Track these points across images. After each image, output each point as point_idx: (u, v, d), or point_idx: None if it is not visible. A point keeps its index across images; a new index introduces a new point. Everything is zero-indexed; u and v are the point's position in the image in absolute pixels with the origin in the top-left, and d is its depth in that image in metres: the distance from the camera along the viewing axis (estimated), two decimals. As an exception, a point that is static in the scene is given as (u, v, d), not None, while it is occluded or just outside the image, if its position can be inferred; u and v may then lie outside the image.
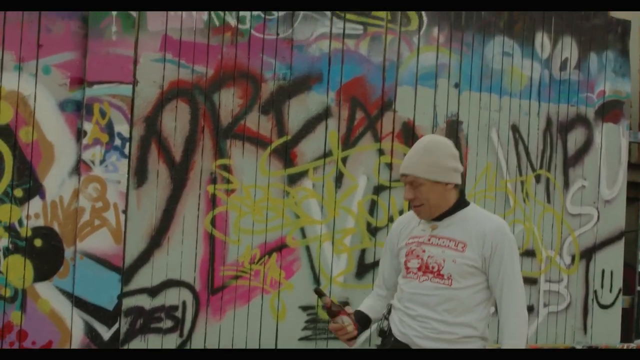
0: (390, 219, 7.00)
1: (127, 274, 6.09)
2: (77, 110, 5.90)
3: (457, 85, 7.22)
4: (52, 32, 5.82)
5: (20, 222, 5.79)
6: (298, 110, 6.61)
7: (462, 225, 4.22)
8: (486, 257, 4.19)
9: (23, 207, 5.79)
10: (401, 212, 7.04)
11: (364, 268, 6.90)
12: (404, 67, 7.01)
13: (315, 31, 6.67)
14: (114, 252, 6.04)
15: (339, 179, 6.80)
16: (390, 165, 6.96)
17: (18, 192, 5.76)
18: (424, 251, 4.19)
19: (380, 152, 6.92)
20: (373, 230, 6.95)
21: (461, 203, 4.29)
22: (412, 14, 7.02)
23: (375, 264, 6.93)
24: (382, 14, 6.89)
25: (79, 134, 5.89)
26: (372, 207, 6.94)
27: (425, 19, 7.09)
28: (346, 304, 6.03)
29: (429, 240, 4.21)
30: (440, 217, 4.23)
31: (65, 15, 5.85)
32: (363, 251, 6.92)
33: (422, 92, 7.07)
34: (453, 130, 7.19)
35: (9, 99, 5.71)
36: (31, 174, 5.80)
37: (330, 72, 6.73)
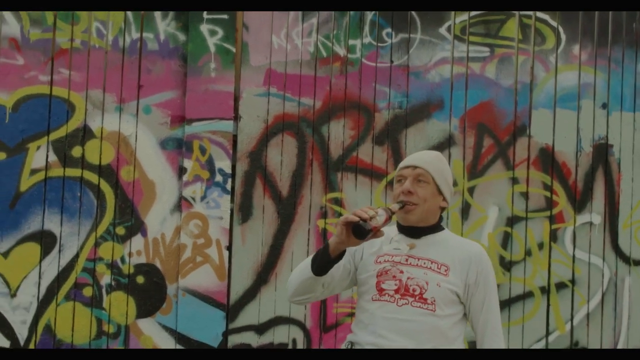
0: (528, 252, 6.44)
1: (232, 310, 5.96)
2: (178, 148, 5.95)
3: (604, 106, 6.62)
4: (153, 73, 5.95)
5: (122, 260, 5.84)
6: (417, 140, 6.29)
7: (443, 247, 3.80)
8: (470, 284, 3.75)
9: (125, 245, 5.85)
10: (541, 245, 6.48)
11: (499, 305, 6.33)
12: (540, 89, 6.53)
13: (434, 56, 6.39)
14: (218, 288, 5.92)
15: (465, 210, 6.36)
16: (526, 195, 6.44)
17: (120, 230, 5.84)
18: (401, 272, 3.71)
19: (514, 180, 6.44)
20: (507, 265, 6.40)
21: (439, 225, 3.89)
22: (548, 32, 6.58)
23: (512, 300, 6.38)
24: (511, 33, 6.51)
25: (181, 172, 5.94)
26: (505, 240, 6.42)
27: (563, 36, 6.63)
28: None
29: (407, 260, 3.74)
30: (419, 234, 3.80)
31: (165, 55, 5.98)
32: (497, 287, 6.36)
33: (562, 114, 6.53)
34: (602, 154, 6.57)
35: (110, 140, 5.85)
36: (133, 212, 5.87)
37: (453, 97, 6.40)
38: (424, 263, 3.73)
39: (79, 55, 5.87)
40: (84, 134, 5.84)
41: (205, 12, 5.96)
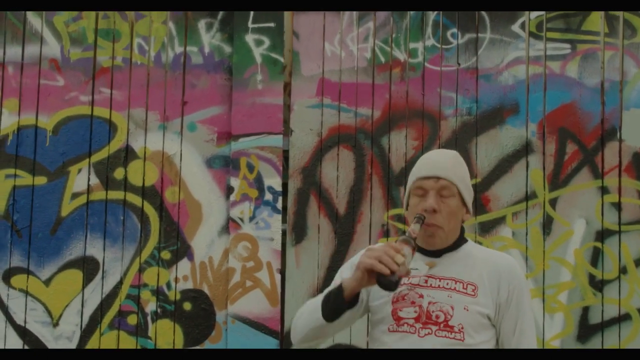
0: (623, 270, 5.75)
1: (287, 338, 5.57)
2: (225, 166, 5.63)
3: None
4: (197, 88, 5.69)
5: (168, 285, 5.54)
6: (489, 148, 5.75)
7: (468, 263, 3.27)
8: (501, 304, 3.22)
9: (171, 270, 5.54)
10: (638, 262, 5.78)
11: (589, 329, 5.65)
12: (631, 86, 5.86)
13: (507, 56, 5.85)
14: (270, 315, 5.54)
15: (547, 224, 5.73)
16: (618, 205, 5.77)
17: (165, 255, 5.57)
18: (420, 296, 3.20)
19: (604, 190, 5.79)
20: (598, 285, 5.73)
21: (463, 238, 3.37)
22: (639, 22, 5.95)
23: (605, 324, 5.70)
24: (596, 26, 5.91)
25: (228, 191, 5.64)
26: (595, 257, 5.75)
27: (657, 28, 5.97)
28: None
29: (426, 281, 3.23)
30: (439, 253, 3.27)
31: (210, 68, 5.71)
32: (586, 309, 5.70)
33: (659, 114, 5.87)
34: None
35: (154, 160, 5.61)
36: (178, 235, 5.59)
37: (530, 101, 5.83)
38: (447, 284, 3.23)
39: (120, 74, 5.67)
40: (127, 154, 5.63)
41: (250, 21, 5.68)
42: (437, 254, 3.28)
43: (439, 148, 5.65)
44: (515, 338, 3.24)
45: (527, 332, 3.27)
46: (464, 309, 3.17)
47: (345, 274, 3.30)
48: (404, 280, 3.18)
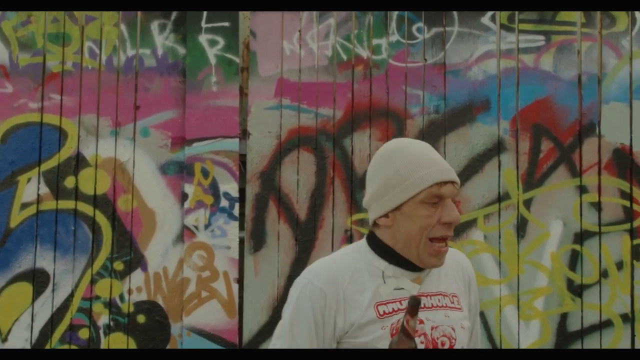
0: (604, 274, 5.42)
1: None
2: (180, 173, 5.38)
3: (697, 95, 5.57)
4: (150, 91, 5.47)
5: (121, 297, 5.30)
6: (458, 147, 5.46)
7: (442, 270, 2.79)
8: (471, 307, 2.85)
9: (124, 281, 5.30)
10: (620, 264, 5.45)
11: (567, 337, 5.33)
12: (610, 79, 5.55)
13: (476, 50, 5.56)
14: (228, 326, 5.27)
15: (521, 227, 5.42)
16: (597, 205, 5.45)
17: (118, 265, 5.34)
18: (421, 321, 2.67)
19: (582, 189, 5.47)
20: (577, 290, 5.41)
21: None
22: (618, 12, 5.63)
23: (584, 332, 5.38)
24: (572, 16, 5.60)
25: (184, 198, 5.42)
26: (574, 260, 5.43)
27: (638, 14, 5.65)
28: None
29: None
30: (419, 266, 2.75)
31: (164, 71, 5.49)
32: (564, 316, 5.37)
33: (641, 107, 5.53)
34: (696, 152, 5.50)
35: (106, 167, 5.39)
36: (132, 245, 5.37)
37: (501, 97, 5.54)
38: (439, 300, 2.74)
39: (70, 79, 5.46)
40: (77, 162, 5.41)
41: (203, 21, 5.48)
42: (419, 267, 2.75)
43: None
44: (472, 342, 2.90)
45: (479, 333, 2.95)
46: (461, 327, 2.75)
47: (299, 333, 2.67)
48: (393, 306, 2.69)
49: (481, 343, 3.01)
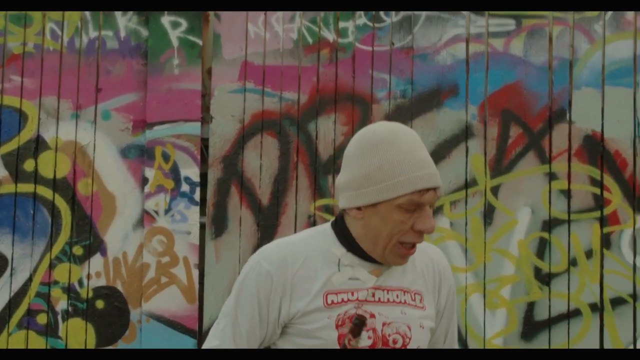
0: (573, 262, 5.32)
1: (205, 337, 5.27)
2: (141, 156, 5.33)
3: (670, 80, 5.46)
4: (112, 74, 5.39)
5: (80, 283, 5.23)
6: (425, 133, 5.34)
7: (409, 264, 2.64)
8: (439, 310, 2.69)
9: (83, 266, 5.22)
10: (589, 253, 5.35)
11: (534, 326, 5.24)
12: (582, 64, 5.43)
13: (445, 34, 5.47)
14: (187, 312, 5.20)
15: (488, 214, 5.32)
16: (567, 193, 5.35)
17: (77, 250, 5.27)
18: (372, 315, 2.54)
19: (552, 176, 5.37)
20: (545, 278, 5.31)
21: None
22: (591, -3, 5.52)
23: (552, 321, 5.29)
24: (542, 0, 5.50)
25: (144, 182, 5.35)
26: (542, 248, 5.33)
27: None
28: None
29: (373, 295, 2.57)
30: None
31: (126, 53, 5.41)
32: (531, 305, 5.28)
33: (613, 94, 5.34)
34: (669, 139, 5.40)
35: (66, 150, 5.31)
36: (91, 230, 5.31)
37: (470, 81, 5.44)
38: (397, 296, 2.58)
39: (31, 60, 5.38)
40: (37, 145, 5.34)
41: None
42: None
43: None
44: (447, 344, 2.76)
45: (454, 335, 2.79)
46: (420, 326, 2.59)
47: (242, 314, 2.59)
48: (343, 296, 2.56)
49: (458, 344, 2.85)
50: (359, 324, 2.40)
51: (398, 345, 2.53)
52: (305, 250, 2.58)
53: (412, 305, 2.59)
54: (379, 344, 2.52)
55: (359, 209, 2.54)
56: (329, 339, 2.51)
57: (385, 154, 2.47)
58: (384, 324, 2.53)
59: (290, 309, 2.55)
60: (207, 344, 2.66)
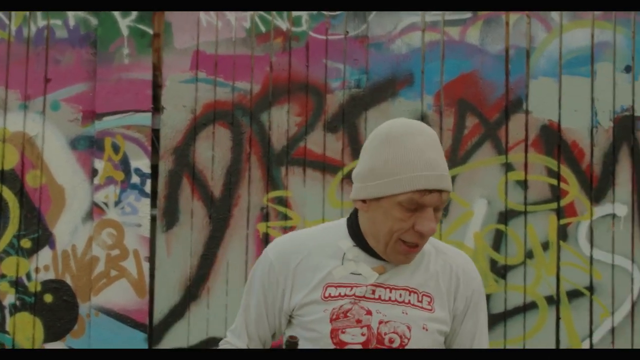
0: (529, 255, 5.27)
1: (156, 332, 5.17)
2: (90, 147, 5.24)
3: (628, 69, 5.36)
4: (61, 64, 5.29)
5: (28, 276, 5.13)
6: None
7: (422, 266, 2.59)
8: (456, 315, 2.60)
9: (31, 259, 5.14)
10: (546, 245, 5.30)
11: (490, 319, 5.13)
12: (539, 53, 5.37)
13: (400, 23, 5.39)
14: (137, 306, 5.12)
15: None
16: (524, 184, 5.29)
17: (25, 243, 5.18)
18: (368, 312, 2.50)
19: (508, 167, 5.31)
20: (500, 271, 5.26)
21: None
22: (548, -15, 5.45)
23: (508, 314, 5.24)
24: (499, -10, 5.42)
25: (94, 174, 5.26)
26: (498, 240, 5.27)
27: (569, -12, 5.47)
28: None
29: (373, 292, 2.53)
30: None
31: (75, 43, 5.31)
32: (487, 297, 5.21)
33: (571, 83, 5.29)
34: (626, 129, 5.29)
35: (14, 142, 5.22)
36: (39, 222, 5.22)
37: (425, 71, 5.37)
38: (400, 295, 2.53)
39: (-22, 50, 5.34)
40: (-16, 136, 5.29)
41: (116, -9, 5.30)
42: None
43: (325, 125, 5.23)
44: (476, 346, 2.66)
45: (483, 339, 2.68)
46: (423, 328, 2.52)
47: (252, 301, 2.68)
48: (342, 290, 2.53)
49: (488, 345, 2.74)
50: (289, 347, 2.38)
51: (395, 345, 2.49)
52: (314, 242, 2.61)
53: (417, 306, 2.54)
54: (373, 342, 2.49)
55: (364, 201, 2.53)
56: (323, 333, 2.50)
57: (394, 150, 2.45)
58: (380, 322, 2.50)
59: (291, 300, 2.57)
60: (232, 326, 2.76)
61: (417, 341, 2.51)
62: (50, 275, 5.14)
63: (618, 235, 5.20)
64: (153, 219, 5.20)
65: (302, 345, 2.53)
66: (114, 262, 5.07)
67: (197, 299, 5.13)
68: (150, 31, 5.24)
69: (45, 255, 5.15)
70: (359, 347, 2.48)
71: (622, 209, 5.22)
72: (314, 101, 5.25)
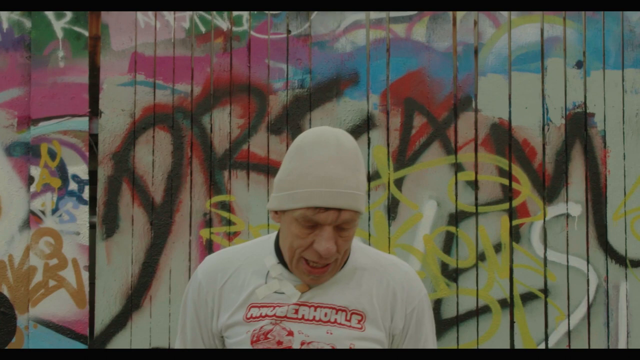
0: (480, 257, 5.13)
1: (97, 342, 5.00)
2: (26, 154, 5.09)
3: (580, 65, 5.26)
4: (-5, 68, 5.19)
5: (-37, 289, 5.05)
6: (324, 124, 5.11)
7: (353, 282, 2.47)
8: (395, 335, 2.48)
9: None
10: (498, 247, 5.15)
11: (442, 325, 5.03)
12: (487, 49, 5.25)
13: (344, 20, 5.26)
14: (77, 317, 4.95)
15: (392, 208, 5.13)
16: (474, 184, 5.15)
17: (-40, 254, 5.06)
18: (290, 333, 2.41)
19: (458, 167, 5.17)
20: (452, 274, 5.12)
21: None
22: (496, -20, 5.32)
23: (460, 319, 5.09)
24: (447, -14, 5.29)
25: (31, 182, 5.10)
26: (448, 242, 5.13)
27: (517, -17, 5.34)
28: None
29: (296, 312, 2.42)
30: None
31: (9, 45, 5.15)
32: (438, 302, 5.07)
33: (521, 80, 5.17)
34: (578, 126, 5.17)
35: (-53, 149, 5.12)
36: (-26, 232, 5.09)
37: (371, 69, 5.23)
38: (325, 314, 2.43)
39: None
40: None
41: (50, -8, 5.14)
42: None
43: (269, 126, 5.08)
44: None
45: None
46: (350, 347, 2.41)
47: (187, 322, 2.59)
48: (265, 311, 2.42)
49: None
50: None
51: None
52: (242, 259, 2.51)
53: (344, 325, 2.42)
54: None
55: (276, 212, 2.43)
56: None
57: (297, 162, 2.34)
58: (302, 343, 2.39)
59: (219, 321, 2.49)
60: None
61: None
62: (-14, 287, 4.97)
63: (572, 236, 5.07)
64: (92, 226, 5.04)
65: None
66: (53, 272, 4.91)
67: (139, 308, 4.98)
68: (86, 33, 5.08)
69: (-20, 266, 4.98)
70: None
71: (576, 209, 5.09)
72: (256, 102, 5.10)
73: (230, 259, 2.53)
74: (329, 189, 2.28)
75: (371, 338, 2.43)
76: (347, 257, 2.50)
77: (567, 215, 5.07)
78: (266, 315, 2.41)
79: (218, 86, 5.10)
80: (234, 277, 2.49)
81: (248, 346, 2.40)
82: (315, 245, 2.32)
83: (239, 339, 2.43)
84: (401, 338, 2.50)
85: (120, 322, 4.96)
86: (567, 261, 5.05)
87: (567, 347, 4.99)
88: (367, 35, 5.15)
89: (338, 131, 2.40)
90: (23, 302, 4.95)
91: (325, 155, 2.31)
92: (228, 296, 2.47)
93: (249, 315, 2.43)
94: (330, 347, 2.38)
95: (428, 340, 2.55)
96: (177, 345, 2.63)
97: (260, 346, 2.39)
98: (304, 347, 2.37)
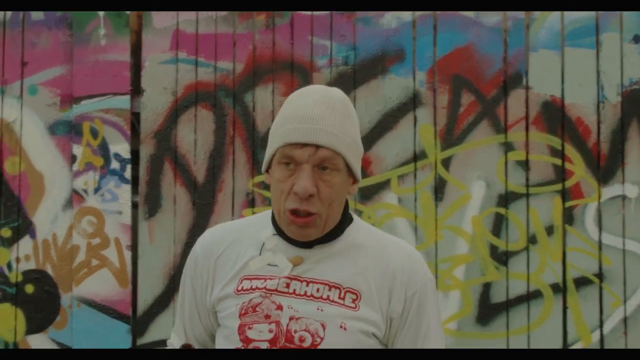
0: (532, 240, 4.94)
1: (140, 323, 4.97)
2: (69, 133, 5.04)
3: (637, 39, 5.03)
4: (38, 46, 5.09)
5: (9, 266, 4.93)
6: (370, 102, 5.01)
7: (349, 259, 2.36)
8: (393, 318, 2.34)
9: (12, 249, 4.95)
10: (550, 229, 4.96)
11: (491, 309, 4.87)
12: (539, 24, 5.04)
13: (390, -4, 5.15)
14: (120, 297, 4.91)
15: (439, 188, 4.97)
16: (525, 164, 4.97)
17: (5, 232, 4.97)
18: (279, 307, 2.31)
19: (507, 146, 4.99)
20: (502, 257, 4.94)
21: (346, 218, 2.41)
22: (550, -48, 5.13)
23: (510, 303, 4.92)
24: (497, -41, 5.12)
25: (74, 160, 5.08)
26: (498, 225, 4.95)
27: (572, -45, 5.14)
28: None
29: (287, 285, 2.34)
30: (311, 243, 2.35)
31: (52, 24, 5.11)
32: (487, 286, 4.91)
33: (574, 56, 4.94)
34: (636, 104, 4.94)
35: (-8, 128, 5.12)
36: (19, 211, 5.04)
37: (417, 46, 5.09)
38: (318, 290, 2.33)
39: (-46, 34, 5.19)
40: (-39, 123, 5.13)
41: (91, -31, 5.10)
42: (307, 244, 2.36)
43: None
44: None
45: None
46: (341, 327, 2.31)
47: (185, 295, 2.55)
48: (256, 283, 2.34)
49: None
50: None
51: (305, 344, 2.29)
52: (240, 232, 2.45)
53: (337, 303, 2.32)
54: (281, 340, 2.30)
55: (267, 172, 2.40)
56: (232, 328, 2.35)
57: (284, 107, 2.35)
58: (291, 318, 2.31)
59: (213, 294, 2.42)
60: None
61: (332, 341, 2.29)
62: (31, 265, 4.98)
63: (629, 218, 4.87)
64: (134, 205, 5.00)
65: (219, 344, 2.41)
66: (95, 251, 4.90)
67: (180, 288, 4.90)
68: (127, 10, 5.03)
69: (25, 244, 4.99)
70: (266, 344, 2.29)
71: (632, 190, 4.88)
72: (299, 80, 5.00)
73: (229, 231, 2.46)
74: (307, 125, 2.25)
75: (365, 319, 2.32)
76: (343, 227, 2.40)
77: (624, 197, 4.87)
78: (257, 288, 2.33)
79: (260, 64, 5.02)
80: (229, 250, 2.41)
81: (236, 319, 2.33)
82: (295, 187, 2.25)
83: (229, 312, 2.35)
84: (400, 322, 2.36)
85: (162, 302, 4.92)
86: (624, 245, 4.84)
87: (623, 334, 4.79)
88: (414, 11, 5.00)
89: (331, 88, 2.36)
90: (66, 281, 4.94)
91: (310, 100, 2.29)
92: (222, 269, 2.40)
93: (239, 288, 2.35)
94: (320, 325, 2.29)
95: (430, 327, 2.39)
96: (177, 321, 2.58)
97: (247, 319, 2.31)
98: (292, 322, 2.30)
